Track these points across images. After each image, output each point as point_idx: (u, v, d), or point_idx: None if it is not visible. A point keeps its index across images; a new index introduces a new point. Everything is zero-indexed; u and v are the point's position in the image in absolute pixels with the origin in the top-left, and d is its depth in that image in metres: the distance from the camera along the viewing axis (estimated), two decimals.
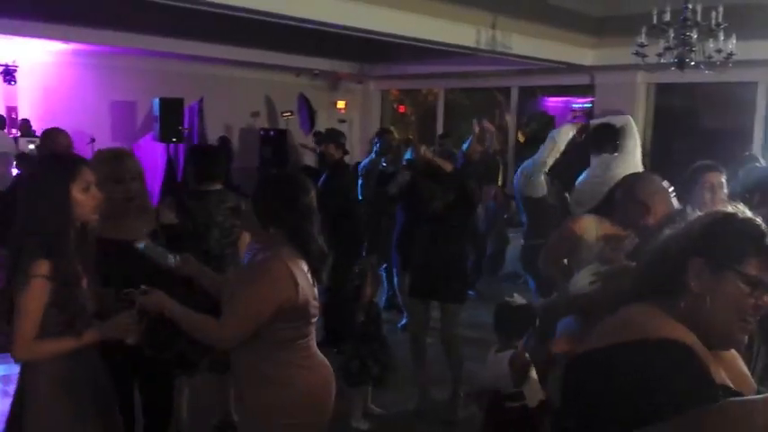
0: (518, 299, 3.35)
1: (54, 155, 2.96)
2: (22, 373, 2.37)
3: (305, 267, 2.40)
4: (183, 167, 9.92)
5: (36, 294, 2.18)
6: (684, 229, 1.45)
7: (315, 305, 2.44)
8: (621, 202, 3.01)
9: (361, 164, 6.92)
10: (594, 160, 4.79)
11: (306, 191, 2.46)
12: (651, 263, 1.49)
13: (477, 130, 6.19)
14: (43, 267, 2.17)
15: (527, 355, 3.15)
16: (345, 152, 5.89)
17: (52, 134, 4.14)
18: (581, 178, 4.74)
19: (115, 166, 2.92)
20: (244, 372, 2.41)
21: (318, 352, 2.54)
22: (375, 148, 6.78)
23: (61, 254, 2.21)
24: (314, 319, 2.46)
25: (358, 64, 11.72)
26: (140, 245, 2.55)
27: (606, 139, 4.73)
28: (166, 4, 5.20)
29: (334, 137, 5.91)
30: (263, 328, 2.31)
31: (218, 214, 3.77)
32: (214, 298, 2.54)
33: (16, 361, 2.27)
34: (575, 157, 5.12)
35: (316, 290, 2.49)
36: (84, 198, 2.30)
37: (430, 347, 4.67)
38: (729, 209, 1.46)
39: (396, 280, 5.73)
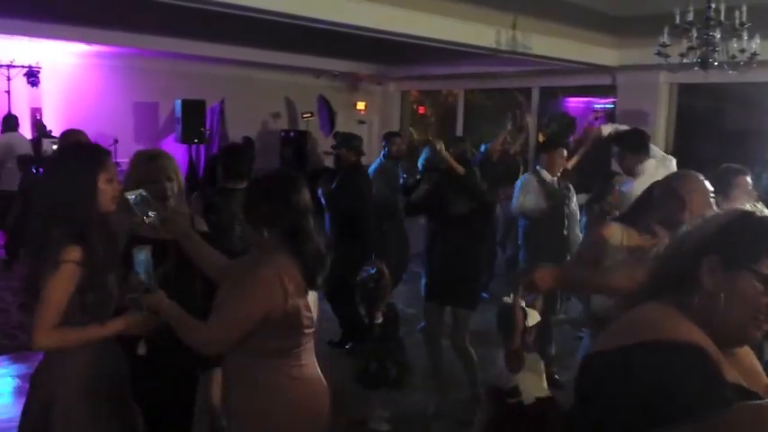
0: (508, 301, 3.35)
1: (78, 144, 2.97)
2: (44, 371, 2.33)
3: (298, 274, 2.31)
4: (204, 167, 10.03)
5: (64, 279, 2.17)
6: (701, 226, 1.45)
7: (308, 315, 2.34)
8: (660, 197, 2.98)
9: (370, 168, 6.88)
10: (639, 167, 4.57)
11: (297, 189, 2.37)
12: (667, 258, 1.48)
13: (509, 126, 6.22)
14: (74, 253, 2.17)
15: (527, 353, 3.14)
16: (361, 154, 5.88)
17: (71, 135, 4.20)
18: (637, 186, 4.43)
19: (150, 166, 2.98)
20: (236, 375, 2.36)
21: (314, 366, 2.45)
22: (383, 152, 6.77)
23: (91, 240, 2.23)
24: (308, 330, 2.37)
25: (377, 65, 11.74)
26: (131, 195, 2.51)
27: (645, 143, 4.62)
28: (188, 7, 5.24)
29: (347, 140, 5.91)
30: (253, 335, 2.25)
31: (236, 210, 3.80)
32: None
33: (36, 349, 2.21)
34: (593, 164, 5.09)
35: (313, 298, 2.40)
36: (107, 188, 2.34)
37: (447, 350, 4.66)
38: (748, 207, 1.46)
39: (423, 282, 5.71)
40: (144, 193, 2.55)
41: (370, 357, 4.18)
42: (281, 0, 5.38)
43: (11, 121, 8.82)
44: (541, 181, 5.02)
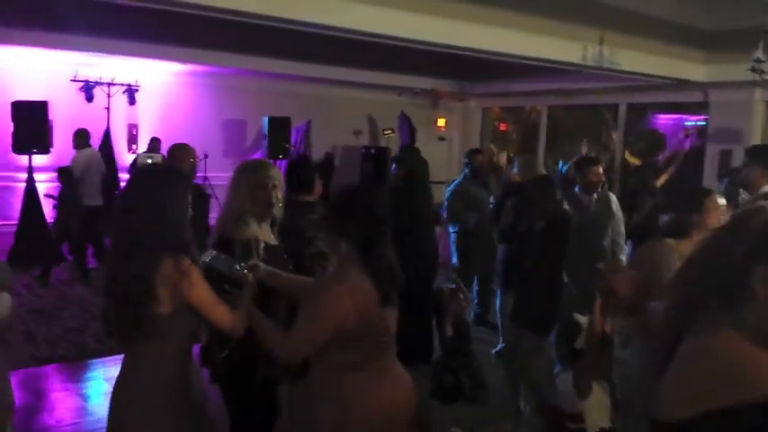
0: (578, 318, 3.27)
1: (172, 169, 3.10)
2: (122, 390, 2.39)
3: (371, 288, 2.33)
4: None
5: (200, 279, 2.31)
6: (742, 234, 1.37)
7: (384, 326, 2.37)
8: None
9: (451, 185, 6.81)
10: None
11: (377, 204, 2.41)
12: (710, 270, 1.41)
13: (584, 152, 6.15)
14: (188, 261, 2.30)
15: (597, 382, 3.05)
16: (407, 169, 5.88)
17: (179, 149, 4.38)
18: None
19: (259, 173, 3.17)
20: (316, 387, 2.40)
21: (392, 376, 2.46)
22: (465, 170, 6.71)
23: (193, 256, 2.38)
24: (384, 338, 2.40)
25: (458, 82, 11.75)
26: (206, 258, 2.65)
27: None
28: (277, 28, 5.42)
29: (399, 157, 6.12)
30: (328, 347, 2.30)
31: (301, 222, 3.85)
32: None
33: (235, 338, 2.41)
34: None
35: (390, 310, 2.42)
36: None
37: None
38: None
39: (498, 300, 5.66)
40: (215, 252, 2.73)
41: (444, 370, 4.15)
42: (372, 21, 5.49)
43: (83, 136, 8.48)
44: (576, 206, 4.84)
